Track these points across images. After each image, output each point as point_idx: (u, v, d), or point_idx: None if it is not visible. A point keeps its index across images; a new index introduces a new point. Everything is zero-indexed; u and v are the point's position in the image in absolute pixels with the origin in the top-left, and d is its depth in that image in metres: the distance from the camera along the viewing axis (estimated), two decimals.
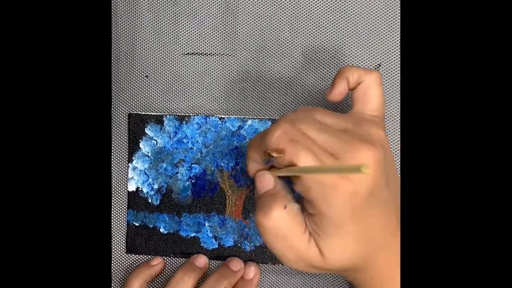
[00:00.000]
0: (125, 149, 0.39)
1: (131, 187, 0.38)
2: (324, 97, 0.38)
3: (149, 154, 0.38)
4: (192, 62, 0.39)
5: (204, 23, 0.39)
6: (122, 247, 0.39)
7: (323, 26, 0.38)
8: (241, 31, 0.38)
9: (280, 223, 0.26)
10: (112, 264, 0.39)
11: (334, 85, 0.30)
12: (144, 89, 0.39)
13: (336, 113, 0.28)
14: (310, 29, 0.38)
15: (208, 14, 0.39)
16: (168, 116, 0.38)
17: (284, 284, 0.38)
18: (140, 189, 0.38)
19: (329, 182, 0.24)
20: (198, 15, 0.39)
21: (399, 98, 0.37)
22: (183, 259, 0.38)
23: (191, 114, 0.38)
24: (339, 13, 0.38)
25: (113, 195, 0.39)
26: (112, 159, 0.39)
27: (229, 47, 0.38)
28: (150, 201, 0.38)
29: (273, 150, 0.25)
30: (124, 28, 0.39)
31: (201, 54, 0.39)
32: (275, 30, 0.38)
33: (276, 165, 0.26)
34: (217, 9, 0.39)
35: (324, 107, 0.37)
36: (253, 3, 0.38)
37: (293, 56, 0.38)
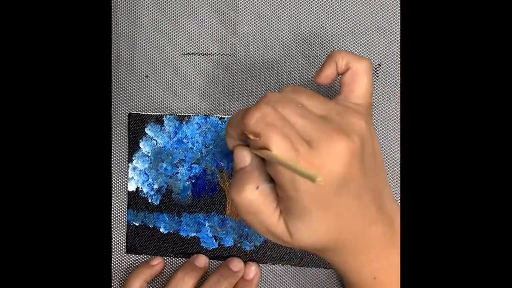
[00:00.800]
0: (125, 149, 0.39)
1: (131, 187, 0.38)
2: (326, 96, 0.38)
3: (149, 154, 0.38)
4: (192, 62, 0.39)
5: (204, 23, 0.39)
6: (122, 247, 0.39)
7: (323, 26, 0.38)
8: (241, 31, 0.38)
9: (252, 201, 0.26)
10: (112, 264, 0.39)
11: (322, 67, 0.30)
12: (144, 89, 0.39)
13: (322, 97, 0.27)
14: (310, 29, 0.38)
15: (208, 14, 0.39)
16: (168, 116, 0.38)
17: (284, 284, 0.38)
18: (140, 189, 0.38)
19: None
20: (198, 15, 0.39)
21: (399, 98, 0.37)
22: (183, 259, 0.38)
23: (191, 114, 0.38)
24: (339, 13, 0.38)
25: (113, 195, 0.39)
26: (112, 159, 0.39)
27: (229, 47, 0.38)
28: (150, 201, 0.38)
29: (250, 132, 0.25)
30: (124, 28, 0.39)
31: (201, 54, 0.39)
32: (275, 30, 0.38)
33: (251, 146, 0.26)
34: (217, 9, 0.39)
35: None
36: (253, 3, 0.38)
37: (293, 56, 0.38)
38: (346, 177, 0.25)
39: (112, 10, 0.39)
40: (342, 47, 0.38)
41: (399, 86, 0.37)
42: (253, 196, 0.26)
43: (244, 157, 0.27)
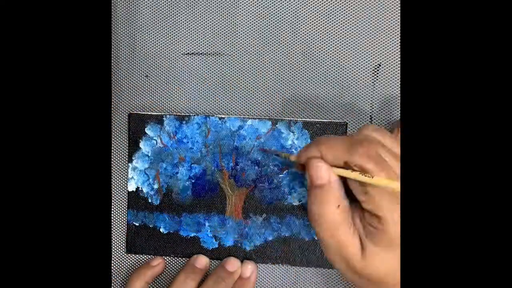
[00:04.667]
0: (125, 149, 0.39)
1: (131, 187, 0.38)
2: (325, 96, 0.38)
3: (149, 154, 0.38)
4: (192, 62, 0.39)
5: (204, 23, 0.39)
6: (122, 247, 0.39)
7: (322, 26, 0.38)
8: (241, 31, 0.38)
9: (332, 220, 0.27)
10: (113, 264, 0.39)
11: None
12: (144, 89, 0.39)
13: (396, 140, 0.29)
14: (310, 29, 0.38)
15: (208, 14, 0.39)
16: (168, 116, 0.38)
17: (284, 284, 0.38)
18: (140, 189, 0.38)
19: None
20: (198, 15, 0.39)
21: (399, 98, 0.37)
22: (184, 259, 0.38)
23: (191, 114, 0.38)
24: (339, 13, 0.38)
25: (113, 195, 0.39)
26: (112, 159, 0.39)
27: (229, 47, 0.38)
28: (150, 201, 0.38)
29: (358, 165, 0.26)
30: (124, 28, 0.39)
31: (201, 54, 0.39)
32: (275, 30, 0.38)
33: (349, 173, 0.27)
34: (217, 9, 0.39)
35: (325, 106, 0.38)
36: (253, 3, 0.38)
37: (293, 56, 0.38)
38: None
39: (112, 10, 0.39)
40: (342, 47, 0.38)
41: (399, 86, 0.37)
42: (334, 214, 0.27)
43: (326, 174, 0.28)
